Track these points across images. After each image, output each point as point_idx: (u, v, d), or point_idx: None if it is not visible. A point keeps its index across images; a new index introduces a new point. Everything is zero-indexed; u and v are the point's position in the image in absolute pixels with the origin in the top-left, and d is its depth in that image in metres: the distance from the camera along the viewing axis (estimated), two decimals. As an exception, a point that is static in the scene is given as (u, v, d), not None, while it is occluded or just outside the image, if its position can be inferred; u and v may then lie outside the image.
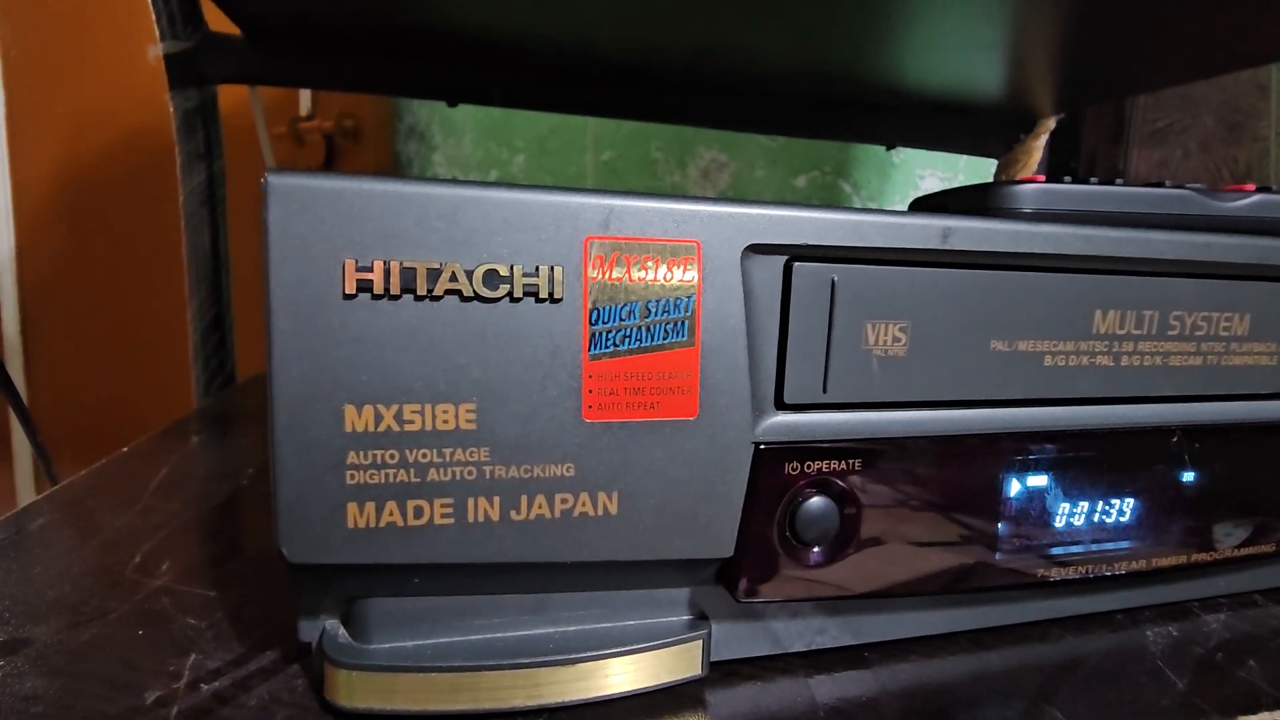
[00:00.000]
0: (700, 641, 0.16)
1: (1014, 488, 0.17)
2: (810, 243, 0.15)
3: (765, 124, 0.62)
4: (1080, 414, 0.18)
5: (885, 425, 0.16)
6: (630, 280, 0.14)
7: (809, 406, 0.16)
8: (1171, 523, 0.19)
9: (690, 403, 0.15)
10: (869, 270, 0.16)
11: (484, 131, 1.06)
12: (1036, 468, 0.18)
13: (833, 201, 0.88)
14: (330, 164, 1.02)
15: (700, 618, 0.16)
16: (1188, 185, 0.26)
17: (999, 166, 0.68)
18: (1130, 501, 0.19)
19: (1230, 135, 0.70)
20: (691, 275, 0.14)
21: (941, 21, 0.40)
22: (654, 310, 0.14)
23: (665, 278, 0.14)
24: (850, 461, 0.16)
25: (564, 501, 0.14)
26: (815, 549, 0.16)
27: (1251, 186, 0.27)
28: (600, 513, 0.14)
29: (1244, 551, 0.20)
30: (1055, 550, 0.18)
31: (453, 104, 0.56)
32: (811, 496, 0.16)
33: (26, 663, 0.16)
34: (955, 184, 0.86)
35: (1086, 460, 0.18)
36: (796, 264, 0.15)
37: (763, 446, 0.15)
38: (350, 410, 0.13)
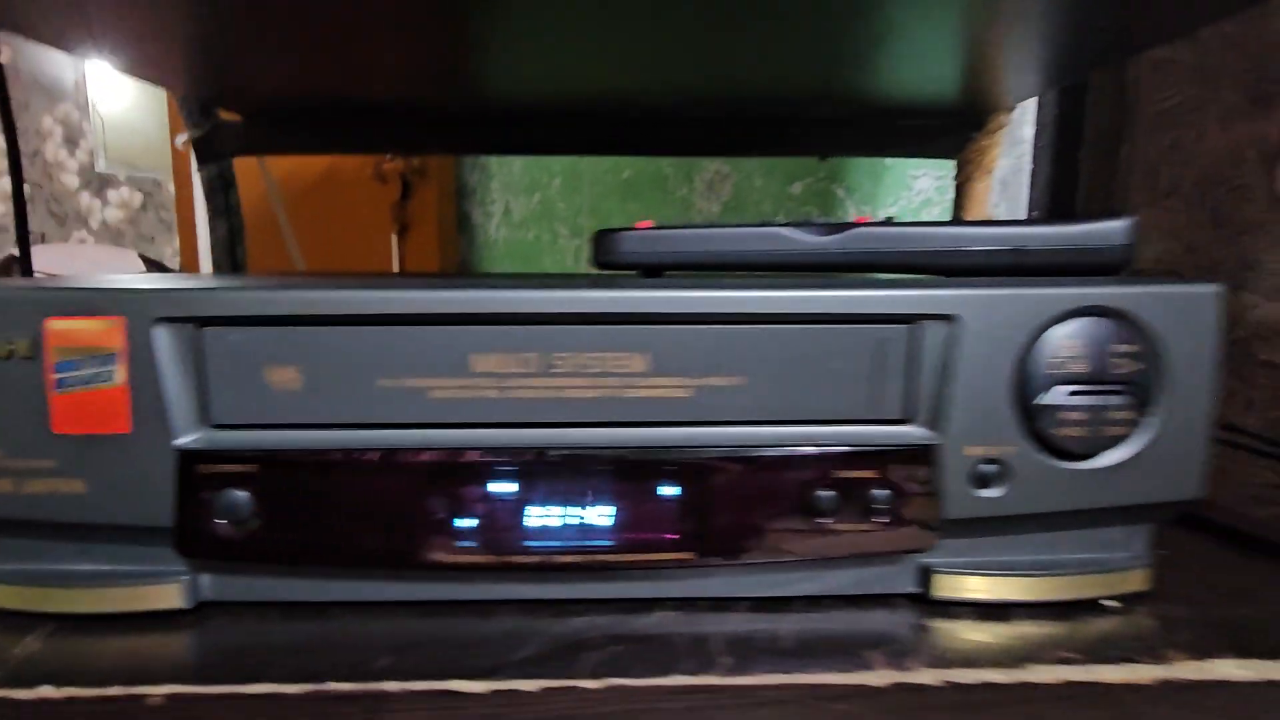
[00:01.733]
0: (178, 584, 0.23)
1: (409, 490, 0.23)
2: (208, 315, 0.22)
3: (688, 149, 0.65)
4: (466, 436, 0.23)
5: (287, 440, 0.22)
6: (75, 345, 0.22)
7: (230, 426, 0.23)
8: (516, 528, 0.23)
9: (124, 420, 0.22)
10: (264, 330, 0.22)
11: (530, 160, 1.17)
12: (429, 475, 0.23)
13: (825, 206, 0.87)
14: (406, 196, 1.19)
15: (192, 568, 0.24)
16: (790, 223, 0.28)
17: (956, 167, 0.65)
18: (516, 507, 0.23)
19: (1256, 109, 0.60)
20: (116, 339, 0.22)
21: (875, 25, 0.40)
22: (91, 363, 0.22)
23: (97, 341, 0.22)
24: (261, 466, 0.22)
25: (49, 484, 0.22)
26: (235, 526, 0.23)
27: (864, 220, 0.28)
28: (74, 491, 0.22)
29: (625, 558, 0.23)
30: (449, 542, 0.23)
31: (411, 155, 0.66)
32: (227, 488, 0.22)
33: None
34: (949, 183, 0.82)
35: (477, 472, 0.23)
36: (207, 328, 0.22)
37: (184, 452, 0.22)
38: (-80, 423, 0.22)
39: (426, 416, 0.23)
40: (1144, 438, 0.23)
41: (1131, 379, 0.23)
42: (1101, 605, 0.25)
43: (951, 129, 0.62)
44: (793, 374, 0.23)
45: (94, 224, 3.29)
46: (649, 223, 0.30)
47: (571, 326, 0.22)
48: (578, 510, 0.23)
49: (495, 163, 1.19)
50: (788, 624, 0.24)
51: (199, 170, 0.64)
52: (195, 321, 0.22)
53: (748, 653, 0.22)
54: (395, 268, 1.15)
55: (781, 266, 0.28)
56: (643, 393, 0.23)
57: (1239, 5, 0.38)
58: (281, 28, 0.40)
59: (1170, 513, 0.25)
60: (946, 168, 0.81)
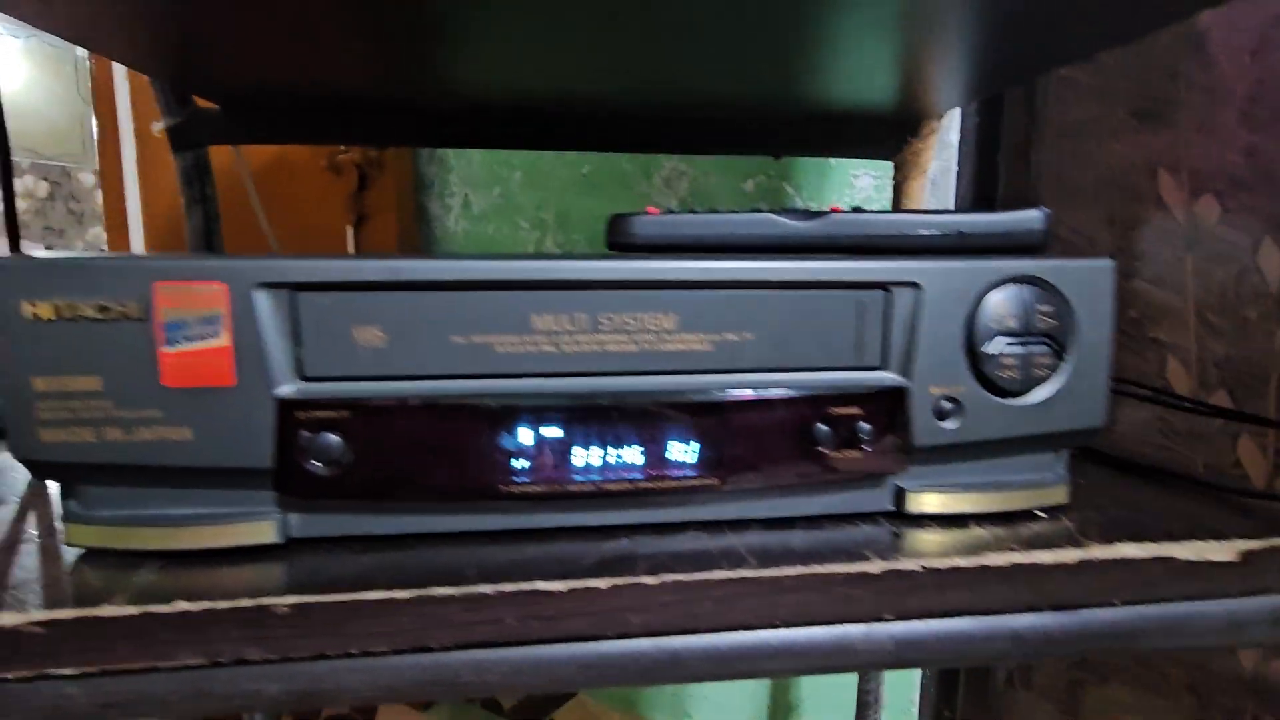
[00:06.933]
0: (273, 522, 0.27)
1: (479, 432, 0.27)
2: (303, 281, 0.25)
3: (651, 147, 0.70)
4: (527, 385, 0.27)
5: (373, 390, 0.26)
6: (182, 307, 0.25)
7: (322, 378, 0.26)
8: (580, 459, 0.27)
9: (229, 374, 0.25)
10: (351, 295, 0.26)
11: (489, 154, 1.19)
12: (497, 419, 0.27)
13: (776, 200, 0.94)
14: (362, 189, 1.19)
15: (282, 508, 0.27)
16: (774, 209, 0.34)
17: (895, 168, 0.72)
18: (570, 445, 0.27)
19: (1143, 125, 0.69)
20: (220, 302, 0.25)
21: (825, 39, 0.45)
22: (198, 323, 0.25)
23: (203, 304, 0.25)
24: (351, 412, 0.26)
25: (156, 431, 0.25)
26: (328, 467, 0.26)
27: (838, 209, 0.34)
28: (182, 439, 0.25)
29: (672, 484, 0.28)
30: (513, 475, 0.27)
31: (382, 147, 0.69)
32: (322, 433, 0.26)
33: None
34: (886, 182, 0.90)
35: (536, 413, 0.27)
36: (302, 293, 0.25)
37: (283, 400, 0.26)
38: (35, 379, 0.25)
39: (493, 368, 0.27)
40: (1061, 379, 0.30)
41: (1051, 333, 0.29)
42: (1035, 515, 0.32)
43: (891, 133, 0.69)
44: (792, 330, 0.28)
45: (-8, 217, 3.05)
46: (656, 210, 0.34)
47: (615, 291, 0.27)
48: (621, 446, 0.27)
49: (453, 157, 1.20)
50: (795, 537, 0.29)
51: (175, 158, 0.65)
52: (291, 287, 0.25)
53: (769, 556, 0.27)
54: (354, 259, 1.16)
55: (772, 247, 0.33)
56: (672, 347, 0.27)
57: (1130, 36, 0.46)
58: (258, 17, 0.42)
59: (1084, 439, 0.31)
60: (884, 168, 0.89)
